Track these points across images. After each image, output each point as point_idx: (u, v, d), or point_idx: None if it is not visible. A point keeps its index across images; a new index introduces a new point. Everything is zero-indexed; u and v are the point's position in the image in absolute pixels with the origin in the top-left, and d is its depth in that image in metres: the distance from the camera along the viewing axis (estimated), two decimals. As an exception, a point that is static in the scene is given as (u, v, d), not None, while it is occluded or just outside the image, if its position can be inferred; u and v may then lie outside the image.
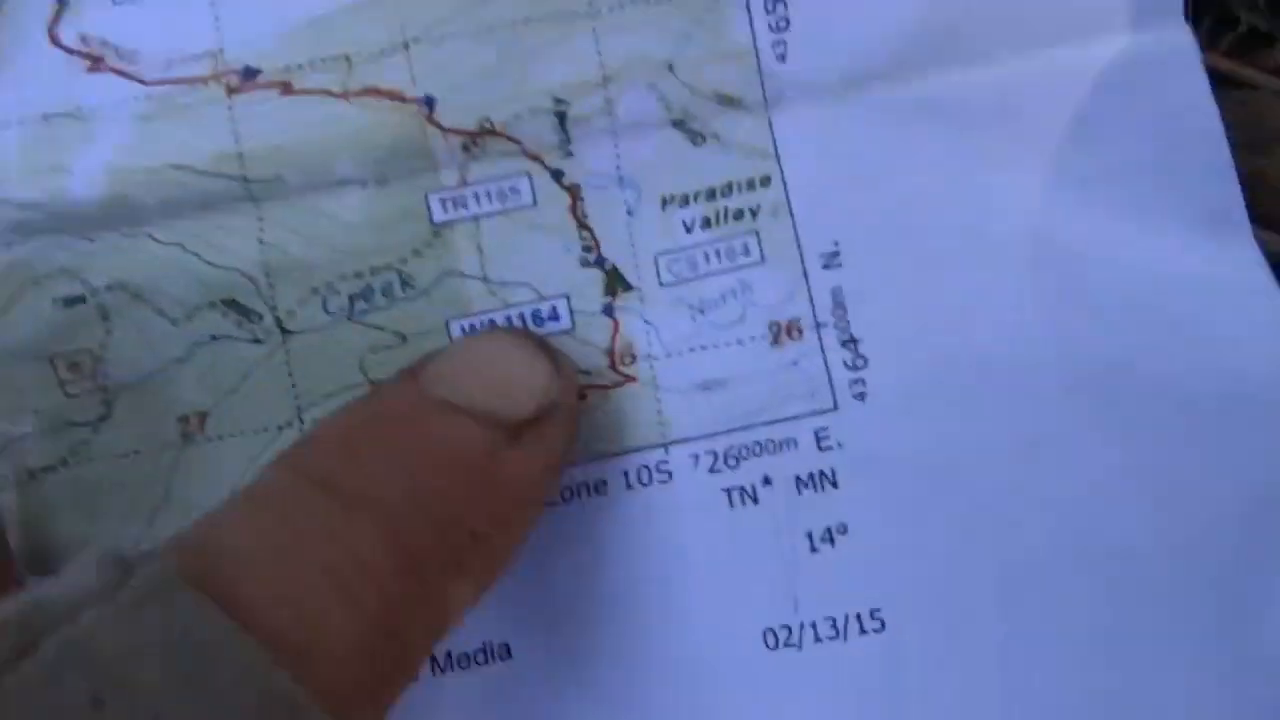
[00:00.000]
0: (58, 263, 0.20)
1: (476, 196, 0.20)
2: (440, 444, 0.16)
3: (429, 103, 0.20)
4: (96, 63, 0.20)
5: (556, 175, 0.20)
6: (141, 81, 0.20)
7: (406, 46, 0.20)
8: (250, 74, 0.20)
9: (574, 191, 0.20)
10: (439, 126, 0.20)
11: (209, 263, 0.20)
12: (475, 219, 0.20)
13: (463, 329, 0.20)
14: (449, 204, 0.20)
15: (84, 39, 0.20)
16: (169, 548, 0.14)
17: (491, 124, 0.20)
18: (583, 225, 0.20)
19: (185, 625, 0.12)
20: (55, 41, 0.20)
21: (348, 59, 0.20)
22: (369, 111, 0.20)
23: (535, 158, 0.20)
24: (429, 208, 0.20)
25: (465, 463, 0.16)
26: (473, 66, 0.20)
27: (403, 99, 0.20)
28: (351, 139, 0.20)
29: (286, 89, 0.20)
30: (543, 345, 0.18)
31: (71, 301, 0.20)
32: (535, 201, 0.20)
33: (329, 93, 0.20)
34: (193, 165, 0.20)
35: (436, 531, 0.16)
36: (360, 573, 0.14)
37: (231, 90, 0.20)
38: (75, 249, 0.20)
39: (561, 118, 0.20)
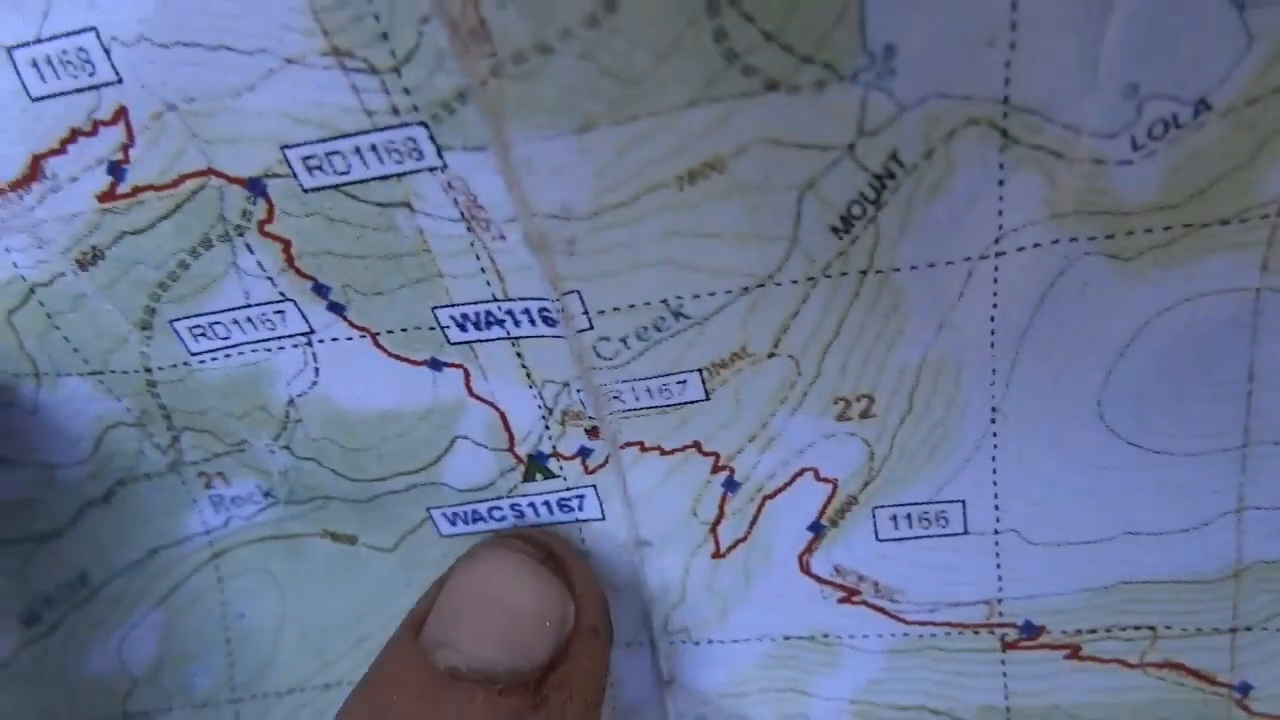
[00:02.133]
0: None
1: None
2: None
3: (1244, 689, 0.17)
4: (850, 594, 0.19)
5: None
6: (901, 620, 0.18)
7: (1233, 631, 0.17)
8: (1031, 630, 0.18)
9: None
10: (1249, 712, 0.17)
11: None
12: None
13: None
14: None
15: (838, 570, 0.19)
16: None
17: None
18: None
19: None
20: (806, 570, 0.19)
21: (1153, 630, 0.17)
22: (1167, 685, 0.17)
23: None
24: None
25: None
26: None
27: (1213, 682, 0.17)
28: (1143, 710, 0.17)
29: (1074, 653, 0.18)
30: (549, 558, 0.15)
31: None
32: None
33: (1123, 663, 0.17)
34: (953, 714, 0.18)
35: None
36: None
37: (1007, 644, 0.18)
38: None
39: None
